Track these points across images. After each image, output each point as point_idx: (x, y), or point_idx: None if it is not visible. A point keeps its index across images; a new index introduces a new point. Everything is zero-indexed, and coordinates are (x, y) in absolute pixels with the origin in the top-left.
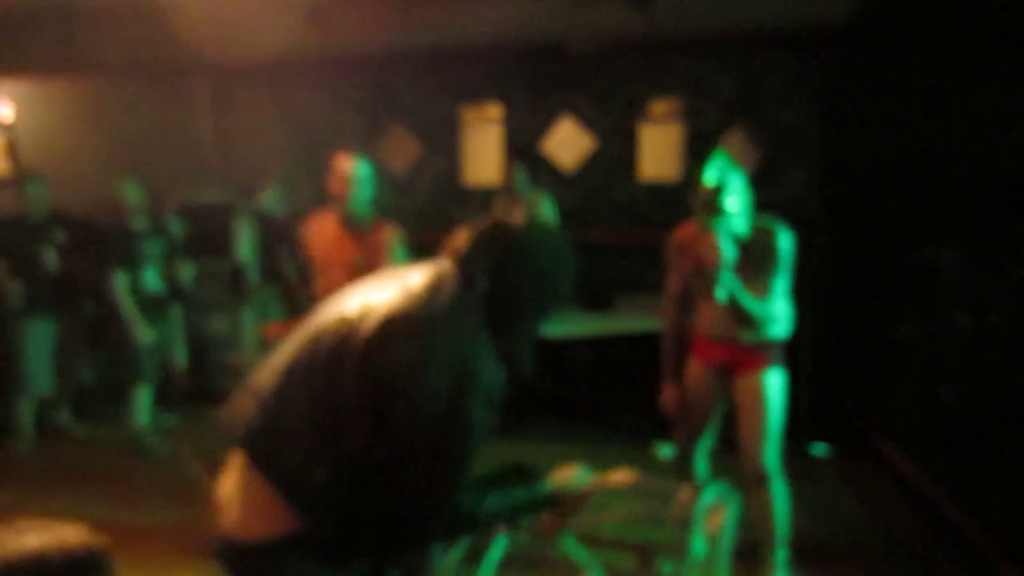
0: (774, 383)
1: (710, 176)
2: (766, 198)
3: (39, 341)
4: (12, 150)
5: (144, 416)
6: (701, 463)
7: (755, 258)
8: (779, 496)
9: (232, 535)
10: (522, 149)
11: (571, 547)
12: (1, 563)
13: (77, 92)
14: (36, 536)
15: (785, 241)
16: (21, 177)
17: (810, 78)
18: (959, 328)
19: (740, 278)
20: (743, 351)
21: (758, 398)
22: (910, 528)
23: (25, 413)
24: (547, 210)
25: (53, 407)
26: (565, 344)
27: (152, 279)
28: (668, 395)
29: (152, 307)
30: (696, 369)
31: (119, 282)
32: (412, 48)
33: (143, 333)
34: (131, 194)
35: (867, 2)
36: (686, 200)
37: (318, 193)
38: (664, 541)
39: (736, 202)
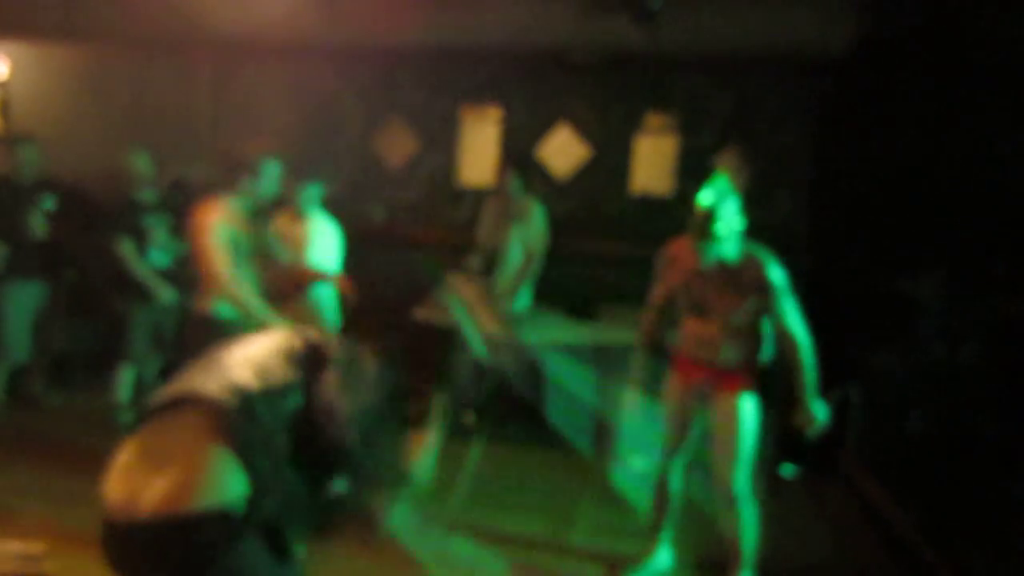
0: (748, 408)
1: (706, 198)
2: (755, 219)
3: (20, 307)
4: (5, 109)
5: (125, 393)
6: (675, 479)
7: (741, 285)
8: (747, 517)
9: (165, 508)
10: (518, 154)
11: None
12: None
13: (77, 59)
14: None
15: (776, 273)
16: (12, 138)
17: (805, 103)
18: (935, 358)
19: (724, 302)
20: (722, 373)
21: (731, 422)
22: (874, 552)
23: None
24: (538, 217)
25: (27, 374)
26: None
27: (157, 253)
28: (633, 400)
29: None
30: (675, 385)
31: (126, 249)
32: (417, 44)
33: (165, 294)
34: (140, 164)
35: (865, 35)
36: (676, 214)
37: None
38: (630, 553)
39: (727, 227)
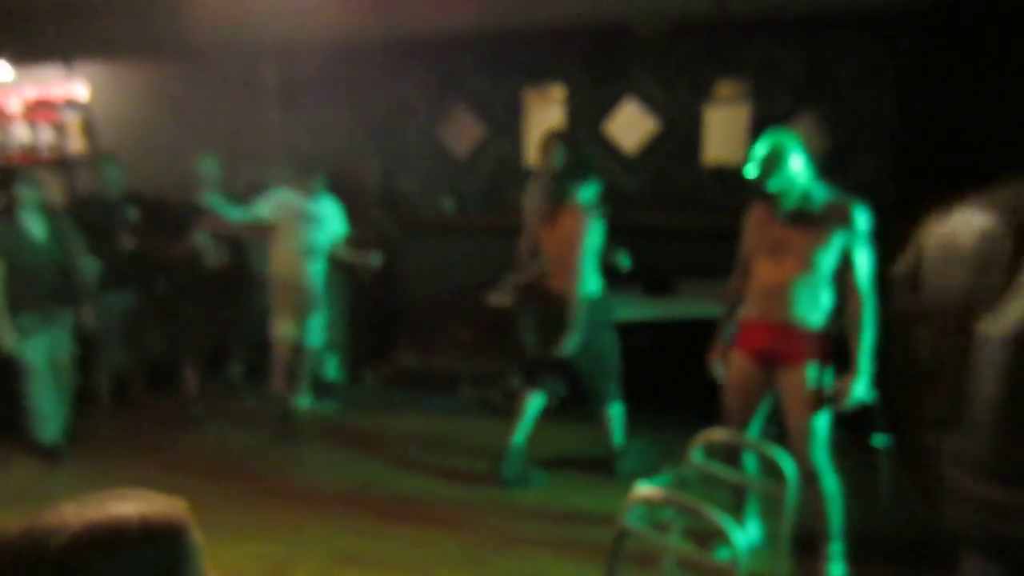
0: (816, 378)
1: (754, 155)
2: (837, 184)
3: (115, 316)
4: (88, 130)
5: (193, 387)
6: (749, 456)
7: (824, 224)
8: (831, 491)
9: None
10: (560, 132)
11: None
12: (86, 530)
13: (150, 75)
14: (129, 502)
15: (861, 217)
16: (97, 157)
17: (884, 62)
18: None
19: (803, 239)
20: (791, 335)
21: (801, 395)
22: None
23: (103, 385)
24: (588, 195)
25: (128, 379)
26: (625, 328)
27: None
28: (714, 354)
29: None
30: (740, 360)
31: (199, 238)
32: (476, 30)
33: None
34: (207, 169)
35: None
36: (752, 184)
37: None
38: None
39: (787, 179)
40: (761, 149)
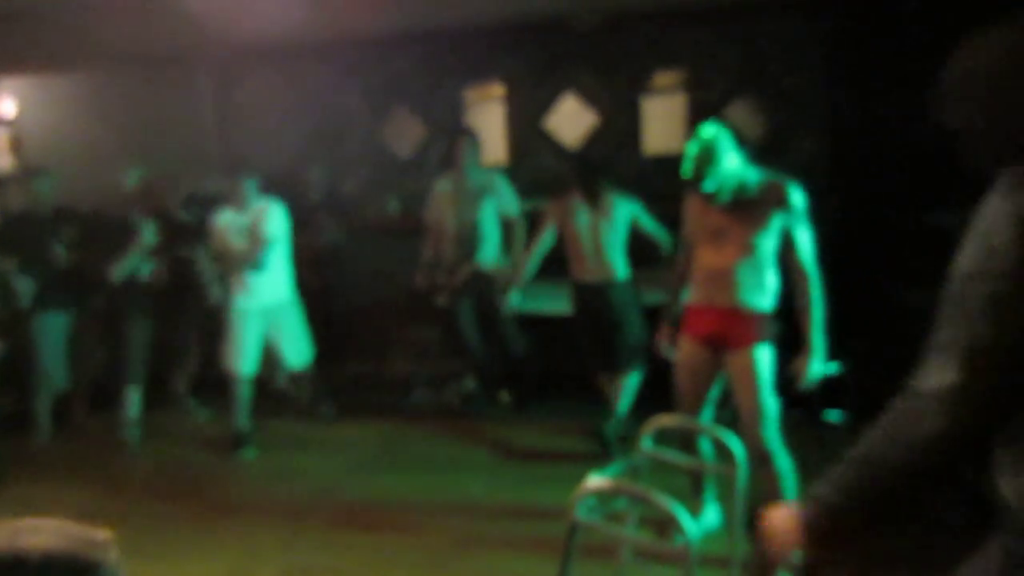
0: (765, 359)
1: (690, 148)
2: (777, 166)
3: (52, 336)
4: (16, 145)
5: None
6: (704, 440)
7: (761, 208)
8: (784, 471)
9: None
10: (461, 126)
11: None
12: (10, 559)
13: (80, 84)
14: (39, 534)
15: (797, 195)
16: (27, 173)
17: (814, 45)
18: None
19: (742, 224)
20: (736, 318)
21: (750, 377)
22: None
23: (42, 408)
24: (505, 185)
25: (69, 402)
26: (560, 320)
27: (147, 267)
28: (664, 332)
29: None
30: (688, 346)
31: (118, 270)
32: (414, 30)
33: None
34: (134, 181)
35: None
36: (687, 183)
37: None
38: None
39: (722, 170)
40: (694, 148)
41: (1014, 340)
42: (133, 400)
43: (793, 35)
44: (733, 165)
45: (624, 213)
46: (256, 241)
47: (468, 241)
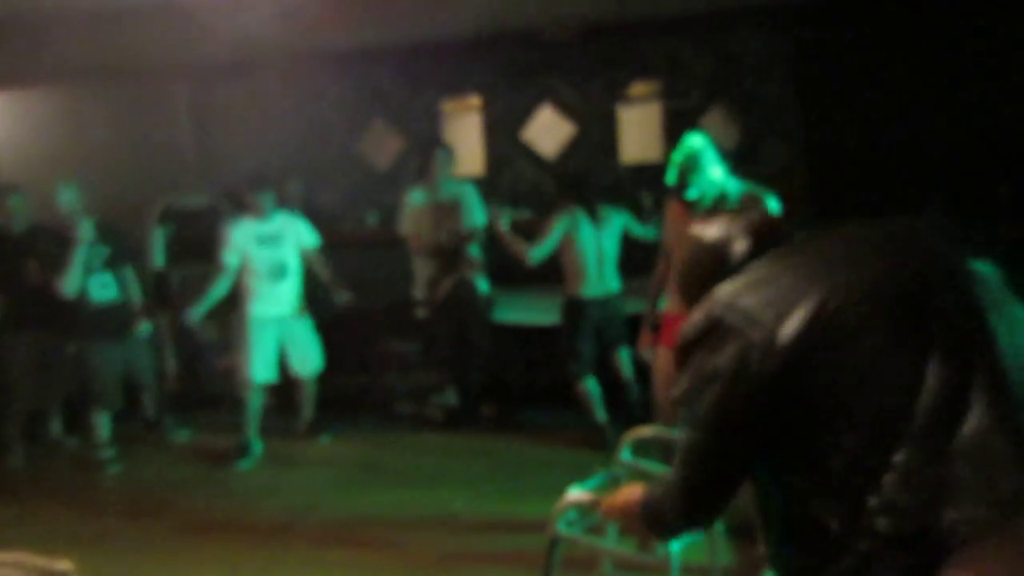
0: None
1: (675, 159)
2: (752, 173)
3: (22, 355)
4: None
5: (104, 433)
6: None
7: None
8: None
9: None
10: (434, 138)
11: None
12: None
13: (53, 101)
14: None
15: (774, 204)
16: None
17: (786, 54)
18: None
19: None
20: None
21: None
22: None
23: (13, 428)
24: (472, 200)
25: (43, 420)
26: (555, 328)
27: (101, 286)
28: (645, 339)
29: (109, 317)
30: (665, 355)
31: (64, 286)
32: (390, 43)
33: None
34: (68, 197)
35: None
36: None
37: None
38: None
39: (706, 181)
40: (679, 156)
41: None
42: (102, 422)
43: (762, 43)
44: (716, 176)
45: (618, 224)
46: (306, 252)
47: (447, 253)
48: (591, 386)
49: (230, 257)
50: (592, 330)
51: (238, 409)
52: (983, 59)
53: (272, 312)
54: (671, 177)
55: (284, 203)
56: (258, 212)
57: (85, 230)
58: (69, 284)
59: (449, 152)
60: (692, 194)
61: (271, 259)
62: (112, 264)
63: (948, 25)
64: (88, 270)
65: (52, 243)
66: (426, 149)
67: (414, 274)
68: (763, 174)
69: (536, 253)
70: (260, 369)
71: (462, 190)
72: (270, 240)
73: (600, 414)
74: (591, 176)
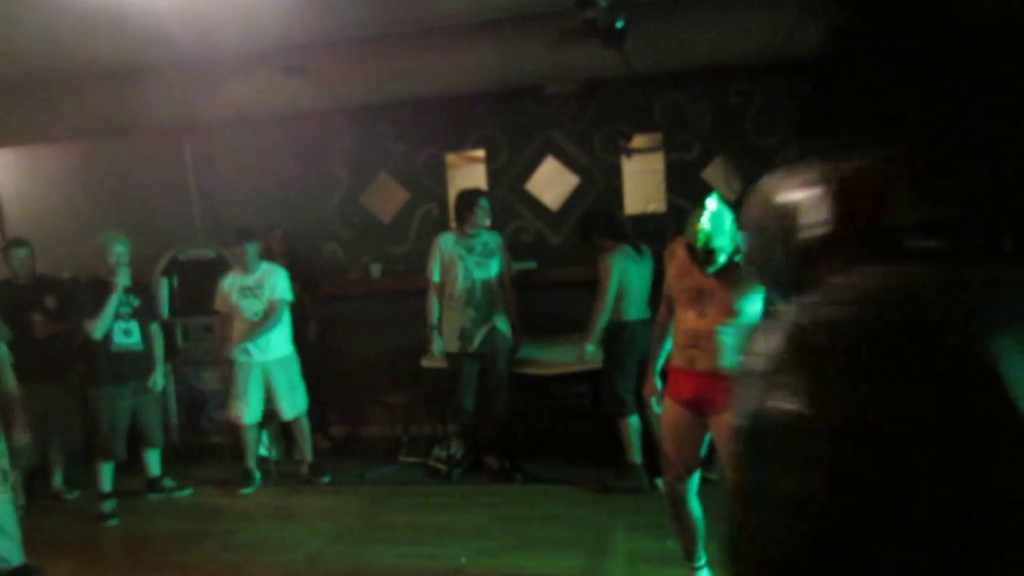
0: None
1: (703, 229)
2: None
3: (27, 411)
4: None
5: (106, 484)
6: (694, 502)
7: (743, 274)
8: None
9: None
10: (481, 190)
11: None
12: None
13: (61, 157)
14: None
15: None
16: (6, 243)
17: (785, 105)
18: None
19: (726, 290)
20: (715, 385)
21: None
22: None
23: (16, 482)
24: (502, 249)
25: (46, 473)
26: (558, 378)
27: (123, 333)
28: (650, 387)
29: (126, 363)
30: (671, 407)
31: (94, 329)
32: (394, 98)
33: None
34: (120, 249)
35: (833, 30)
36: (671, 228)
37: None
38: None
39: (727, 245)
40: (705, 221)
41: None
42: (105, 473)
43: (762, 95)
44: (732, 233)
45: (651, 258)
46: (271, 303)
47: (481, 301)
48: (634, 422)
49: (219, 307)
50: (637, 355)
51: (239, 457)
52: (984, 117)
53: (257, 358)
54: (700, 241)
55: (269, 255)
56: (243, 263)
57: (124, 277)
58: (99, 328)
59: (490, 201)
60: (722, 259)
61: (253, 309)
62: (138, 315)
63: (952, 80)
64: (115, 316)
65: (58, 296)
66: (468, 197)
67: (437, 322)
68: None
69: (609, 299)
70: (249, 411)
71: (494, 239)
72: (252, 290)
73: (637, 455)
74: (619, 218)
